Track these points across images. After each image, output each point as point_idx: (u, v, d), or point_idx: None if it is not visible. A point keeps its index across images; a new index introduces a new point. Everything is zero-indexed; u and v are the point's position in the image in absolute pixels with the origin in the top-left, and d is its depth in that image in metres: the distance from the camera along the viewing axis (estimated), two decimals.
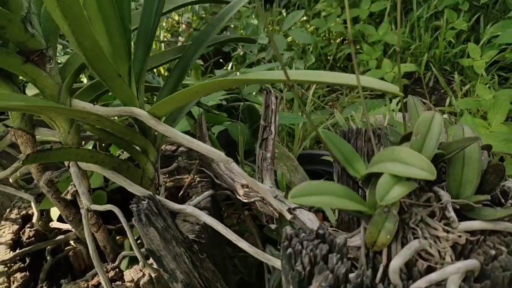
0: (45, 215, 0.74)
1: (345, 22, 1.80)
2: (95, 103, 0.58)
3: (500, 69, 1.51)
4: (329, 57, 1.84)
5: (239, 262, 0.94)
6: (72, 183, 0.61)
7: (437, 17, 1.71)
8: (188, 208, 0.57)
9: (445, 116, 1.36)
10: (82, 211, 0.60)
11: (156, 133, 0.64)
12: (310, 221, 0.64)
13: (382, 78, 1.55)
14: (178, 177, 0.79)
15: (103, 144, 0.74)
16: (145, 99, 0.77)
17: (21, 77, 0.53)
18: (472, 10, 1.65)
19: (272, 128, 0.84)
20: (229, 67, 1.61)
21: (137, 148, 0.63)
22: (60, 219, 0.72)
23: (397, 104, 1.25)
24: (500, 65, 1.50)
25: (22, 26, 0.48)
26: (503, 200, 0.40)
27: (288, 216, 0.59)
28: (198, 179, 0.77)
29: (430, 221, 0.34)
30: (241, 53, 1.51)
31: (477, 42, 1.53)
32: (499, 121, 1.06)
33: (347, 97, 1.56)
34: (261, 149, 0.83)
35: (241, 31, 1.59)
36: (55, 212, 0.72)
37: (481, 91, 1.18)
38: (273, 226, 0.69)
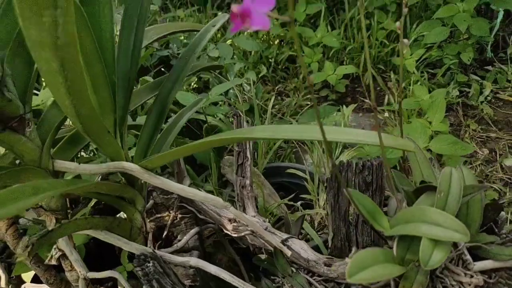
0: (14, 277, 0.67)
1: (282, 25, 1.83)
2: (78, 161, 0.54)
3: (427, 66, 1.66)
4: (270, 60, 1.86)
5: None
6: (55, 247, 0.56)
7: (367, 17, 1.82)
8: (191, 260, 0.56)
9: (386, 115, 1.47)
10: (68, 275, 0.56)
11: (143, 181, 0.61)
12: (304, 250, 0.66)
13: (325, 81, 1.62)
14: (158, 215, 0.76)
15: (82, 200, 0.68)
16: None
17: None
18: (399, 10, 1.78)
19: (248, 153, 0.84)
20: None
21: (123, 199, 0.60)
22: (34, 280, 0.66)
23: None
24: (427, 62, 1.64)
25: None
26: (496, 230, 0.45)
27: (288, 253, 0.61)
28: (179, 215, 0.75)
29: (452, 267, 0.38)
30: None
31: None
32: (438, 120, 1.17)
33: (294, 103, 1.61)
34: (238, 175, 0.83)
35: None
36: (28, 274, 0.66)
37: (418, 92, 1.29)
38: (262, 256, 0.70)
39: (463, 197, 0.41)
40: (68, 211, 0.56)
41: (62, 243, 0.53)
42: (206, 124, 0.98)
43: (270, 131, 0.46)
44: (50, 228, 0.54)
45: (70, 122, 0.63)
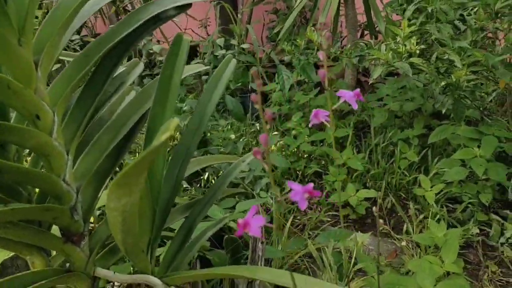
0: None
1: (313, 143, 2.01)
2: (113, 271, 0.65)
3: (448, 200, 1.72)
4: (298, 172, 2.01)
5: None
6: None
7: (392, 145, 1.96)
8: None
9: (404, 243, 1.51)
10: None
11: None
12: None
13: (346, 200, 1.72)
14: None
15: None
16: None
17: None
18: (421, 142, 1.91)
19: None
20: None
21: None
22: None
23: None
24: (447, 196, 1.71)
25: (69, 214, 0.56)
26: None
27: None
28: None
29: None
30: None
31: (427, 171, 1.76)
32: (451, 260, 1.21)
33: (316, 217, 1.70)
34: None
35: (220, 147, 1.73)
36: None
37: (433, 228, 1.35)
38: None
39: None
40: None
41: None
42: (227, 236, 1.09)
43: (269, 275, 0.56)
44: None
45: None
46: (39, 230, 0.53)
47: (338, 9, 2.04)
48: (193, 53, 2.57)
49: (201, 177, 1.41)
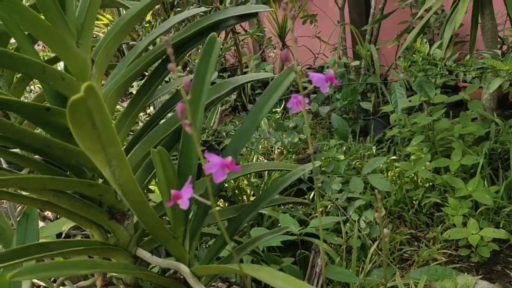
0: None
1: (435, 170, 1.78)
2: (152, 254, 0.71)
3: None
4: (414, 202, 1.80)
5: None
6: None
7: None
8: None
9: None
10: None
11: None
12: None
13: (466, 239, 1.47)
14: None
15: None
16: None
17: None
18: None
19: None
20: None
21: None
22: None
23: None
24: None
25: (114, 194, 0.65)
26: None
27: None
28: None
29: None
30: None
31: None
32: None
33: (428, 254, 1.49)
34: None
35: (323, 168, 1.69)
36: None
37: None
38: None
39: None
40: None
41: None
42: (299, 251, 1.05)
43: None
44: None
45: None
46: (86, 203, 0.63)
47: (476, 20, 1.81)
48: None
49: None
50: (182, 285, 0.70)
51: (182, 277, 0.73)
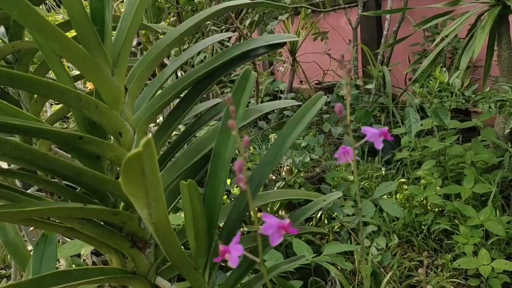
0: None
1: (445, 197, 1.77)
2: (172, 284, 0.70)
3: None
4: (423, 226, 1.79)
5: None
6: None
7: None
8: None
9: None
10: None
11: None
12: None
13: (478, 270, 1.45)
14: None
15: None
16: None
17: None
18: None
19: None
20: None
21: None
22: None
23: None
24: None
25: (138, 222, 0.64)
26: None
27: None
28: None
29: None
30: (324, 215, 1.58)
31: None
32: None
33: (437, 282, 1.47)
34: None
35: (333, 189, 1.68)
36: None
37: None
38: None
39: None
40: None
41: None
42: (311, 278, 1.04)
43: None
44: None
45: None
46: (110, 230, 0.62)
47: (491, 49, 1.81)
48: (330, 92, 2.60)
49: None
50: None
51: None
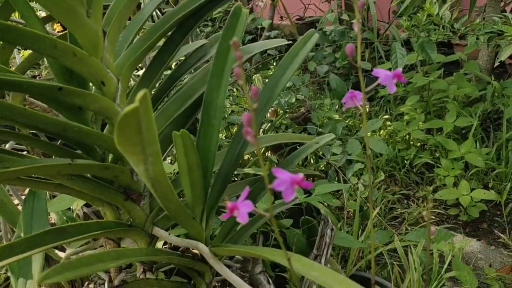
0: None
1: (428, 131, 1.80)
2: (169, 232, 0.70)
3: None
4: (406, 161, 1.83)
5: None
6: None
7: None
8: None
9: None
10: None
11: None
12: None
13: (457, 200, 1.52)
14: None
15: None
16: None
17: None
18: None
19: (323, 260, 0.89)
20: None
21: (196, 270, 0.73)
22: None
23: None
24: None
25: (130, 175, 0.61)
26: None
27: None
28: None
29: None
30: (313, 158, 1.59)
31: None
32: None
33: (418, 212, 1.54)
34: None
35: (320, 127, 1.68)
36: None
37: None
38: None
39: None
40: (154, 265, 0.72)
41: None
42: (303, 217, 1.06)
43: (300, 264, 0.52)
44: (138, 275, 0.71)
45: None
46: (102, 185, 0.59)
47: None
48: (313, 28, 2.51)
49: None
50: (199, 262, 0.69)
51: (198, 254, 0.72)
